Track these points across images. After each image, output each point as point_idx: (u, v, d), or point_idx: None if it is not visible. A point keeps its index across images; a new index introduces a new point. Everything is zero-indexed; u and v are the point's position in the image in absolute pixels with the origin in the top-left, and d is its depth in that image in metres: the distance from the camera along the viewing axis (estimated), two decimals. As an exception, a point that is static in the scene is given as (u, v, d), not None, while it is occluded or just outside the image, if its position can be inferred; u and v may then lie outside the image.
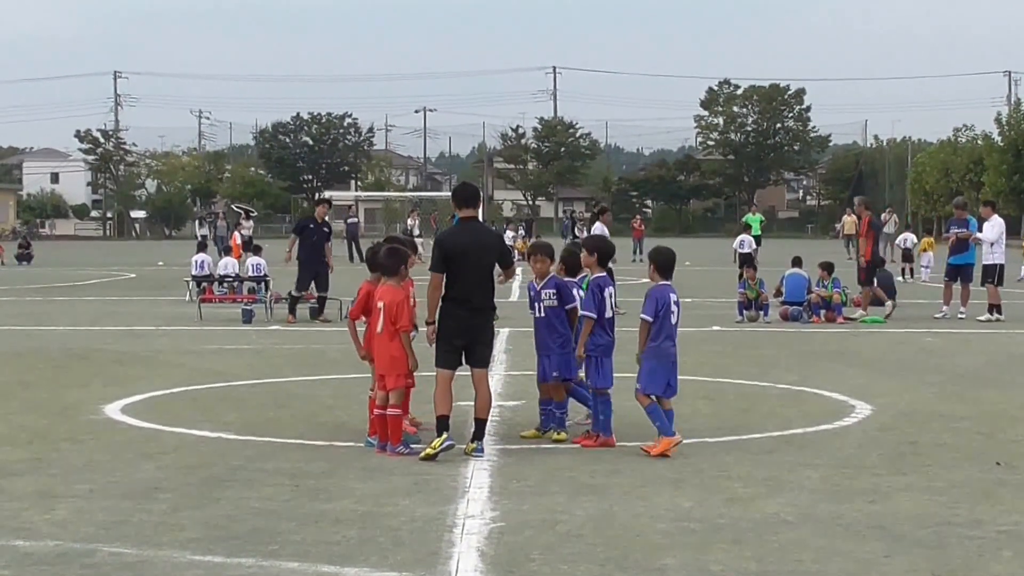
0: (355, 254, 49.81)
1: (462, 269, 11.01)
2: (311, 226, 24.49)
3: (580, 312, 11.57)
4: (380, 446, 11.12)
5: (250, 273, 28.77)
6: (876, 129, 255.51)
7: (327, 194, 59.39)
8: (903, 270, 38.80)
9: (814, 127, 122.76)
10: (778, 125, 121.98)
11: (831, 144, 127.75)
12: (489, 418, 11.30)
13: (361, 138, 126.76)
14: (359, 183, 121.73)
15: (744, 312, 24.53)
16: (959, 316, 24.55)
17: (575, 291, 11.96)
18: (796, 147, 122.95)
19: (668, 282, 11.37)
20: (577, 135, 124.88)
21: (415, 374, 11.26)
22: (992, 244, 24.81)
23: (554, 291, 11.81)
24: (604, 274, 11.69)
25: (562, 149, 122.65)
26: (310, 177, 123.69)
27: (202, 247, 33.98)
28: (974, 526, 8.52)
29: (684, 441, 11.10)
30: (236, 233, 45.93)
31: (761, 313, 24.48)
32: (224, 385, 15.54)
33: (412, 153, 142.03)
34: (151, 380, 15.82)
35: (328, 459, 10.85)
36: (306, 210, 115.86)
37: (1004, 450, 11.29)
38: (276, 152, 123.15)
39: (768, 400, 14.38)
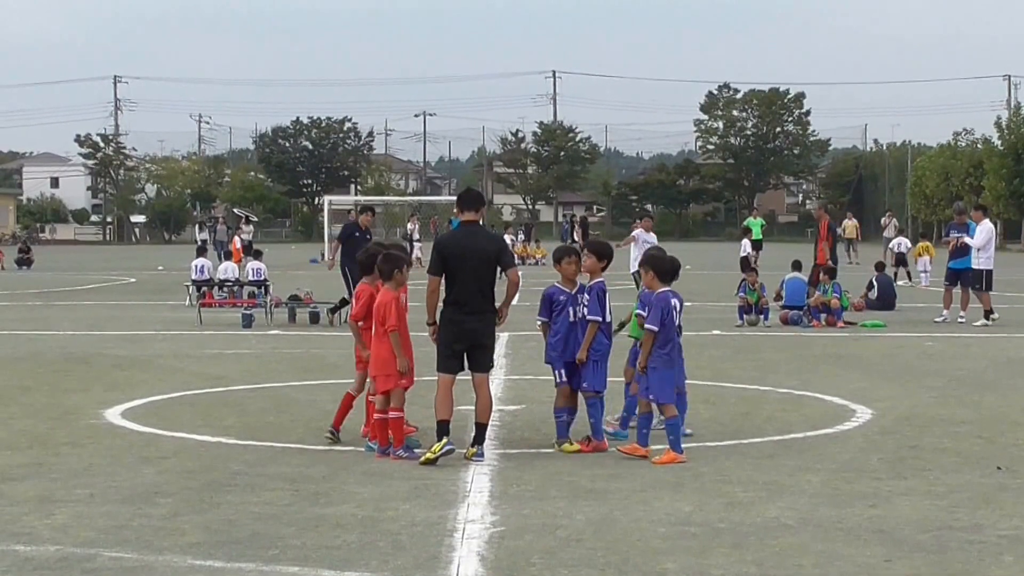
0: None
1: (460, 273, 11.02)
2: (356, 234, 24.66)
3: (588, 316, 11.56)
4: (381, 451, 11.13)
5: (250, 277, 28.80)
6: (876, 133, 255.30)
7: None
8: (896, 274, 38.79)
9: (814, 131, 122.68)
10: (778, 129, 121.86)
11: (831, 148, 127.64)
12: (490, 422, 11.32)
13: (361, 142, 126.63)
14: (359, 187, 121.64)
15: (744, 316, 24.53)
16: (959, 320, 24.53)
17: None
18: (796, 151, 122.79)
19: (668, 288, 11.37)
20: (577, 139, 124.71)
21: (414, 375, 11.29)
22: (979, 249, 24.51)
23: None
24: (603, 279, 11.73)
25: (562, 153, 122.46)
26: (310, 181, 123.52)
27: (202, 251, 34.06)
28: (975, 531, 8.52)
29: (685, 445, 11.12)
30: (236, 237, 46.00)
31: (761, 317, 24.48)
32: (224, 389, 15.54)
33: (412, 157, 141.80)
34: (151, 384, 15.83)
35: (328, 463, 10.86)
36: (306, 215, 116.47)
37: (1005, 454, 11.28)
38: (276, 156, 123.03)
39: (768, 404, 14.39)
